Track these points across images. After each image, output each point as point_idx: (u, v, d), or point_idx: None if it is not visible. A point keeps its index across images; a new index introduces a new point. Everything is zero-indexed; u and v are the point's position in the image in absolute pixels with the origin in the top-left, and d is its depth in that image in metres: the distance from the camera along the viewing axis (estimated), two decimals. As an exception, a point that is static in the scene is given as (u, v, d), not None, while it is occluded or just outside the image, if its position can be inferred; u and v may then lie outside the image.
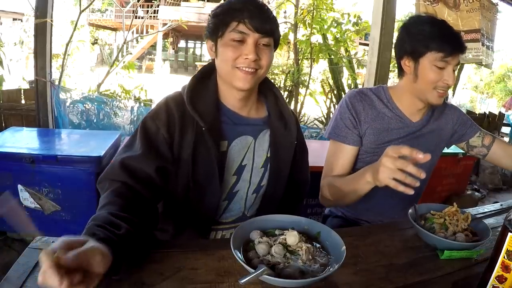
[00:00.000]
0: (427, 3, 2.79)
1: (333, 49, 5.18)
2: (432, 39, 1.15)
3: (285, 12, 6.12)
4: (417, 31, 1.19)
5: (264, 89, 1.17)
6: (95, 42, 17.82)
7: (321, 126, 5.36)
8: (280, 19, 5.93)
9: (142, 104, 4.16)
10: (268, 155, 1.14)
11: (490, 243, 0.98)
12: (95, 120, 3.65)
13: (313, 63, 5.45)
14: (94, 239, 0.63)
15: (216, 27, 0.99)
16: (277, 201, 1.19)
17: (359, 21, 5.22)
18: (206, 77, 1.08)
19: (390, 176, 0.87)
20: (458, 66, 1.22)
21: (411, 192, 0.86)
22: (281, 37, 1.22)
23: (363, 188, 1.04)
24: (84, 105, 3.61)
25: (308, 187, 1.34)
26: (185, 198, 1.05)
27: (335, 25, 5.15)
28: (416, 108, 1.29)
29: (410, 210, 1.05)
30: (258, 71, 1.01)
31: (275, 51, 1.08)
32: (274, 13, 1.19)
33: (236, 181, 1.11)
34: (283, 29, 5.64)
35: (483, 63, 2.86)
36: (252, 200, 1.16)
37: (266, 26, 0.98)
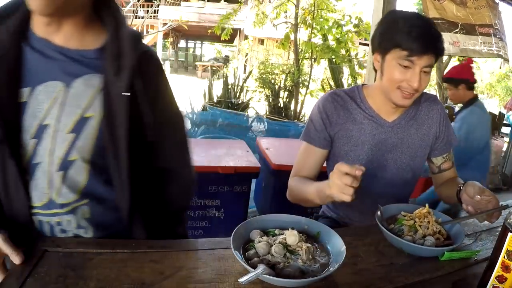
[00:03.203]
0: None
1: (334, 49, 5.19)
2: (399, 35, 1.08)
3: (285, 12, 6.11)
4: (388, 25, 1.14)
5: (104, 13, 0.83)
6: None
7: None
8: (280, 19, 5.92)
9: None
10: (89, 114, 0.79)
11: (490, 243, 0.99)
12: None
13: (313, 64, 5.46)
14: None
15: None
16: (124, 193, 0.82)
17: (360, 22, 5.23)
18: None
19: (340, 191, 0.88)
20: (431, 69, 1.11)
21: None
22: (283, 38, 1.16)
23: (325, 201, 1.13)
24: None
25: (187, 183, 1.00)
26: None
27: (336, 26, 5.16)
28: (389, 106, 1.21)
29: (377, 212, 1.00)
30: None
31: None
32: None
33: (35, 148, 0.78)
34: (283, 29, 5.64)
35: (503, 57, 2.82)
36: (59, 180, 0.79)
37: None
